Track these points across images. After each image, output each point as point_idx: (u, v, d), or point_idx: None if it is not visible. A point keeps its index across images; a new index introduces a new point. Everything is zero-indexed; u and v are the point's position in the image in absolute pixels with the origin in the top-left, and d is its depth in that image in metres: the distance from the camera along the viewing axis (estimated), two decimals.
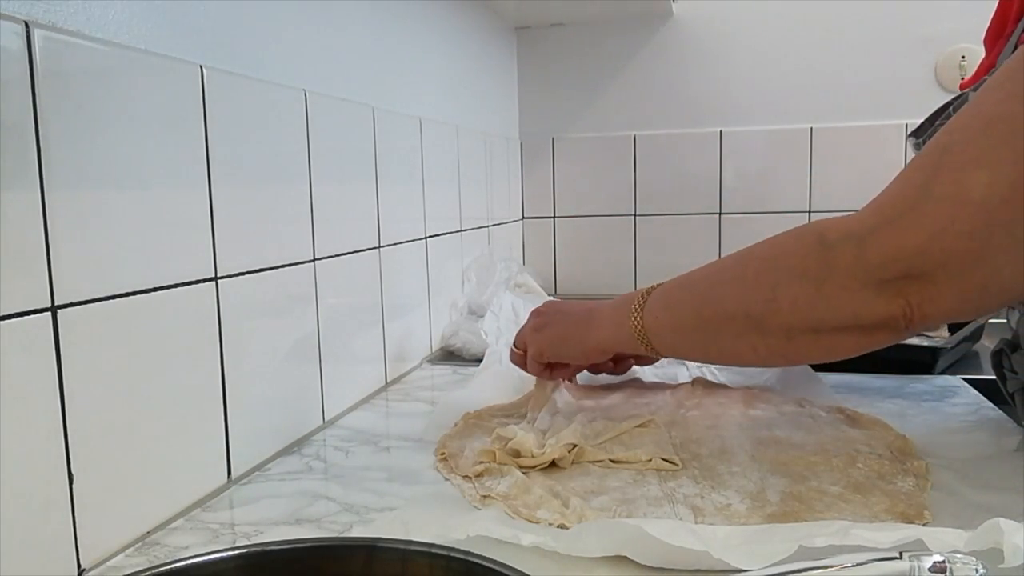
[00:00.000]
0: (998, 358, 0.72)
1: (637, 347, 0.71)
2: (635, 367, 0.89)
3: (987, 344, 1.07)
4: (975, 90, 0.62)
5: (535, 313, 0.82)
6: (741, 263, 0.64)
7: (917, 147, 0.70)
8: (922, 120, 0.73)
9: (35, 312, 0.46)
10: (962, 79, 1.43)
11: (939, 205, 0.53)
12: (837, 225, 0.58)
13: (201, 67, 0.61)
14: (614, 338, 0.73)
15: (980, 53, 0.76)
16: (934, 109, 0.72)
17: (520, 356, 0.81)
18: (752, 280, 0.62)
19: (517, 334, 0.82)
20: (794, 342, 0.61)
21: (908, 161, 0.71)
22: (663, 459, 0.64)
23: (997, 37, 0.70)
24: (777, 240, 0.62)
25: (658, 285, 0.71)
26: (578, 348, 0.77)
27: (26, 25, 0.45)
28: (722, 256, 0.73)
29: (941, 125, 0.65)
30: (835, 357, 0.62)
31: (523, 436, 0.64)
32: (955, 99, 0.68)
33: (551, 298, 1.15)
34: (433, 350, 1.13)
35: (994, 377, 0.74)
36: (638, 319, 0.70)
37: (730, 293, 0.63)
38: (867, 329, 0.58)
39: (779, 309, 0.59)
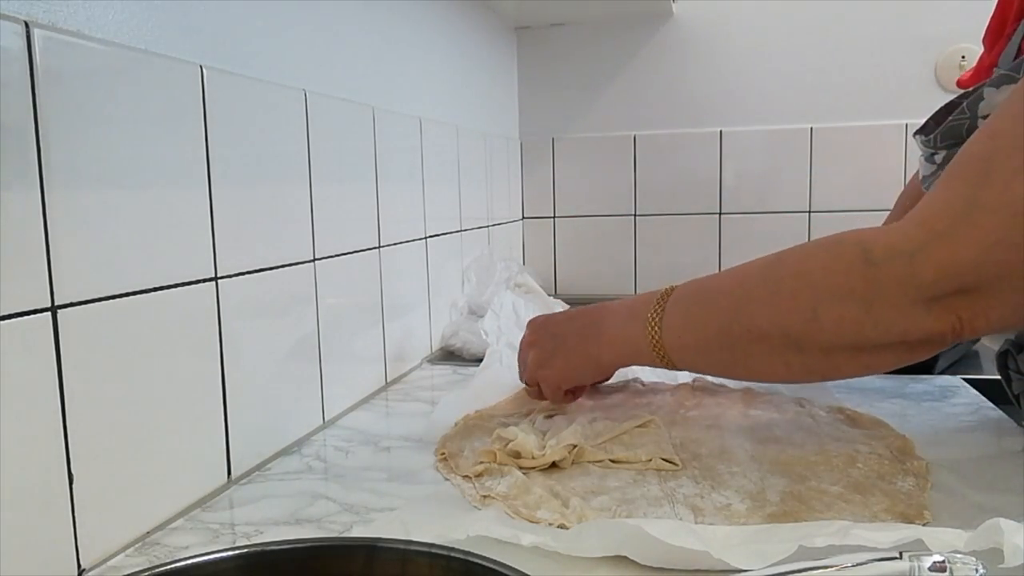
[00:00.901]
0: (1003, 359, 0.72)
1: (654, 362, 0.67)
2: (635, 366, 0.88)
3: (987, 344, 1.07)
4: (994, 87, 0.60)
5: (530, 344, 0.76)
6: (773, 279, 0.61)
7: (926, 144, 0.68)
8: (927, 117, 0.71)
9: (35, 312, 0.46)
10: (962, 59, 1.43)
11: (991, 216, 0.51)
12: (880, 240, 0.56)
13: (201, 67, 0.61)
14: (629, 354, 0.69)
15: (979, 53, 0.76)
16: (939, 107, 0.70)
17: (538, 393, 0.77)
18: (788, 298, 0.59)
19: (523, 371, 0.78)
20: (832, 359, 0.59)
21: (928, 162, 0.69)
22: (663, 459, 0.63)
23: (997, 36, 0.70)
24: (810, 253, 0.59)
25: (668, 292, 0.67)
26: (592, 369, 0.74)
27: (26, 25, 0.45)
28: (730, 261, 0.71)
29: (954, 123, 0.64)
30: (872, 372, 0.61)
31: (523, 438, 0.64)
32: (967, 96, 0.65)
33: (552, 300, 1.14)
34: (433, 350, 1.13)
35: (994, 377, 0.74)
36: (655, 334, 0.66)
37: (763, 311, 0.60)
38: (911, 345, 0.56)
39: (821, 328, 0.57)
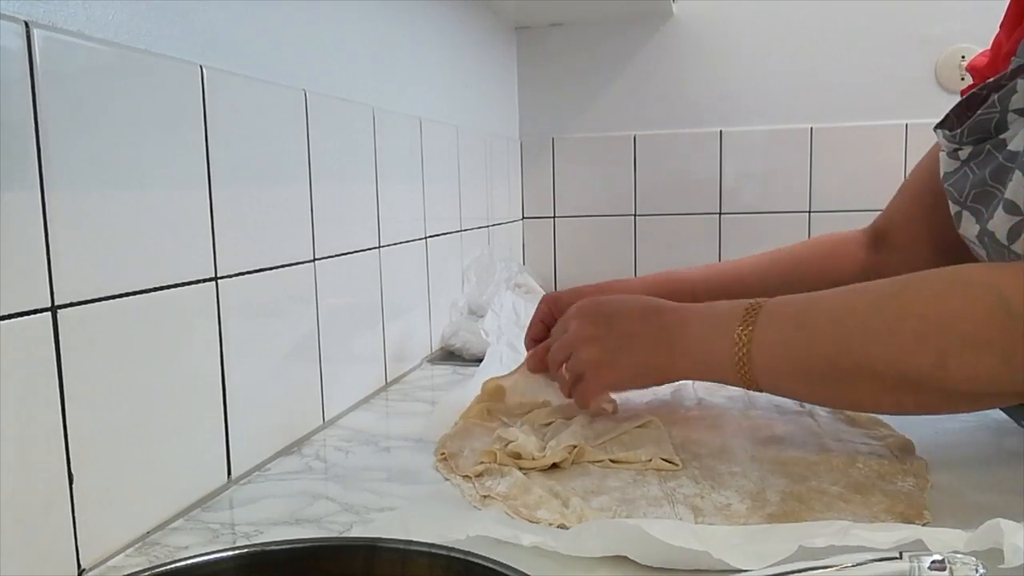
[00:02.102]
0: None
1: (734, 381, 0.63)
2: None
3: None
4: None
5: (589, 339, 0.68)
6: (893, 316, 0.56)
7: (950, 139, 0.66)
8: (925, 116, 0.69)
9: (35, 312, 0.46)
10: (962, 59, 1.43)
11: None
12: (1020, 287, 0.52)
13: (201, 67, 0.61)
14: (705, 370, 0.64)
15: (995, 36, 0.73)
16: (938, 103, 0.68)
17: (568, 391, 0.70)
18: (911, 340, 0.54)
19: (568, 361, 0.70)
20: (953, 401, 0.57)
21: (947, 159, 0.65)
22: (663, 459, 0.63)
23: (1018, 21, 0.66)
24: (938, 294, 0.55)
25: (756, 307, 0.62)
26: (657, 379, 0.68)
27: (26, 25, 0.45)
28: (822, 286, 0.62)
29: (983, 117, 0.61)
30: (981, 409, 0.59)
31: (524, 439, 0.64)
32: (994, 88, 0.62)
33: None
34: (433, 350, 1.13)
35: None
36: (742, 353, 0.61)
37: (879, 350, 0.56)
38: None
39: (947, 376, 0.53)
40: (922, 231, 0.81)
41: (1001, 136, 0.60)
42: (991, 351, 0.52)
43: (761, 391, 0.63)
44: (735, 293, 0.69)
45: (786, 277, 0.85)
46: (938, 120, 0.69)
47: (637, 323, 0.67)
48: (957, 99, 0.69)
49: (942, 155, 0.69)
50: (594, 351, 0.68)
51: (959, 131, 0.64)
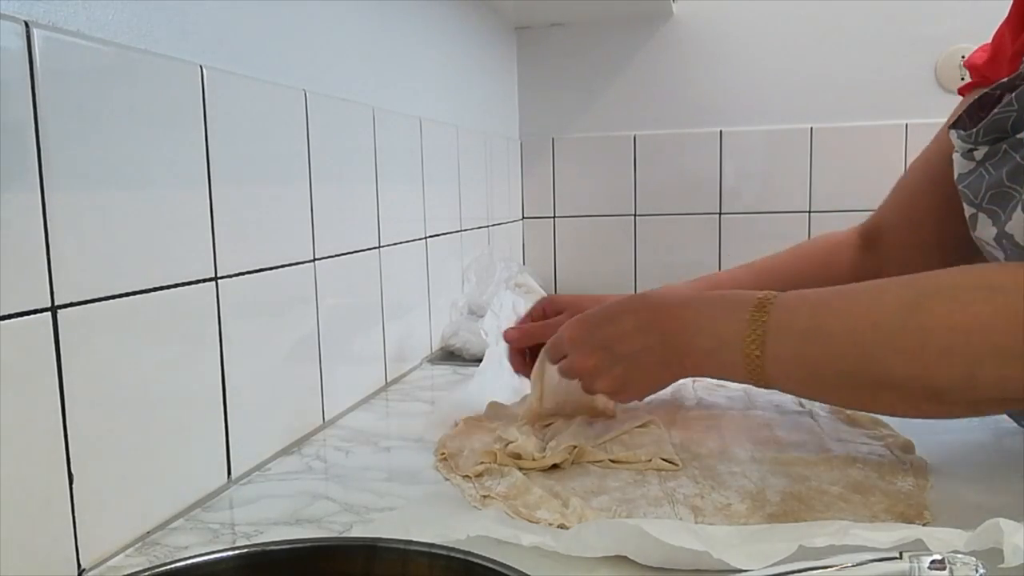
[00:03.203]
0: None
1: (752, 385, 0.61)
2: None
3: None
4: None
5: (593, 370, 0.65)
6: (917, 329, 0.54)
7: (964, 139, 0.64)
8: (926, 116, 0.68)
9: (35, 312, 0.46)
10: (962, 59, 1.43)
11: None
12: None
13: (201, 67, 0.61)
14: (715, 375, 0.63)
15: (996, 33, 0.72)
16: (947, 104, 0.65)
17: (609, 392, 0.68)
18: (937, 355, 0.53)
19: (579, 367, 0.67)
20: (978, 410, 0.56)
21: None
22: (663, 459, 0.63)
23: (1023, 24, 0.66)
24: (963, 303, 0.54)
25: (762, 310, 0.60)
26: (664, 384, 0.67)
27: (26, 25, 0.45)
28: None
29: (999, 116, 0.60)
30: (1005, 412, 0.58)
31: (524, 440, 0.64)
32: (1009, 87, 0.61)
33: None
34: (433, 350, 1.13)
35: None
36: (756, 364, 0.59)
37: (904, 365, 0.54)
38: None
39: (975, 387, 0.52)
40: (917, 232, 0.80)
41: (1018, 135, 0.59)
42: (1020, 359, 0.51)
43: (783, 392, 0.62)
44: None
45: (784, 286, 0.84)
46: (938, 120, 0.68)
47: (637, 339, 0.64)
48: (957, 99, 0.68)
49: (956, 156, 0.68)
50: (602, 383, 0.66)
51: (974, 131, 0.63)
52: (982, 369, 0.52)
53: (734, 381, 0.62)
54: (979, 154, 0.64)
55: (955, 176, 0.68)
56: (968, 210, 0.65)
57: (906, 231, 0.82)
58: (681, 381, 0.86)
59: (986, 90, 0.64)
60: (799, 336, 0.58)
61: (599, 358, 0.65)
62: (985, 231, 0.63)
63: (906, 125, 1.50)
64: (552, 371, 0.71)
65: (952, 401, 0.54)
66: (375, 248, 0.92)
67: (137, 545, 0.53)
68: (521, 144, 1.68)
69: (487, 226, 1.43)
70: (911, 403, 0.56)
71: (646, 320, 0.64)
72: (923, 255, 0.77)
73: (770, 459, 0.64)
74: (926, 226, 0.79)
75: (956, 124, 0.66)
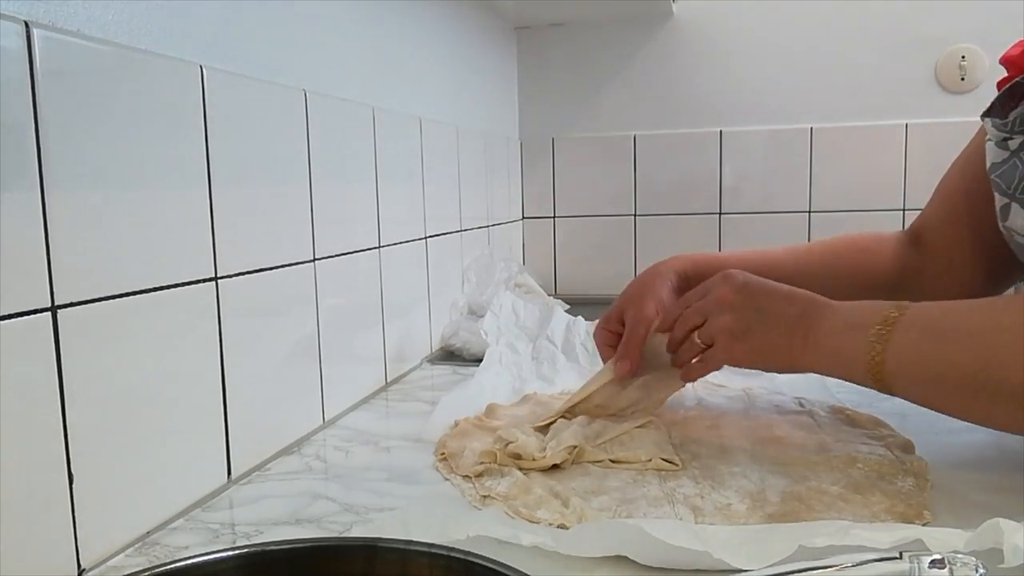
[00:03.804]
0: None
1: (864, 383, 0.61)
2: None
3: None
4: None
5: (728, 305, 0.65)
6: None
7: (1000, 128, 0.64)
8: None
9: (35, 312, 0.46)
10: (962, 59, 1.43)
11: None
12: None
13: (201, 67, 0.61)
14: (835, 366, 0.62)
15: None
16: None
17: (711, 361, 0.67)
18: None
19: (697, 322, 0.67)
20: None
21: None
22: (663, 459, 0.64)
23: None
24: None
25: (898, 310, 0.60)
26: (781, 366, 0.66)
27: (26, 25, 0.45)
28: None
29: None
30: None
31: (524, 440, 0.64)
32: None
33: (552, 300, 1.13)
34: (433, 350, 1.13)
35: None
36: (877, 356, 0.59)
37: (1022, 371, 0.53)
38: None
39: None
40: (955, 232, 0.80)
41: None
42: None
43: (893, 395, 0.61)
44: (770, 278, 0.67)
45: (821, 267, 0.83)
46: (938, 120, 0.68)
47: (781, 302, 0.65)
48: (957, 99, 0.68)
49: (989, 144, 0.67)
50: (729, 319, 0.66)
51: (1010, 120, 0.62)
52: None
53: (851, 375, 0.61)
54: (1014, 144, 0.63)
55: (987, 165, 0.67)
56: (1000, 200, 0.65)
57: (944, 232, 0.81)
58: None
59: (1017, 79, 0.63)
60: (926, 330, 0.58)
61: (741, 296, 0.65)
62: (1017, 221, 0.62)
63: (906, 125, 1.50)
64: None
65: None
66: (375, 248, 0.92)
67: (137, 545, 0.53)
68: (521, 144, 1.68)
69: (487, 226, 1.43)
70: None
71: (798, 294, 0.65)
72: (963, 255, 0.77)
73: (770, 459, 0.64)
74: (963, 226, 0.78)
75: (989, 112, 0.66)
